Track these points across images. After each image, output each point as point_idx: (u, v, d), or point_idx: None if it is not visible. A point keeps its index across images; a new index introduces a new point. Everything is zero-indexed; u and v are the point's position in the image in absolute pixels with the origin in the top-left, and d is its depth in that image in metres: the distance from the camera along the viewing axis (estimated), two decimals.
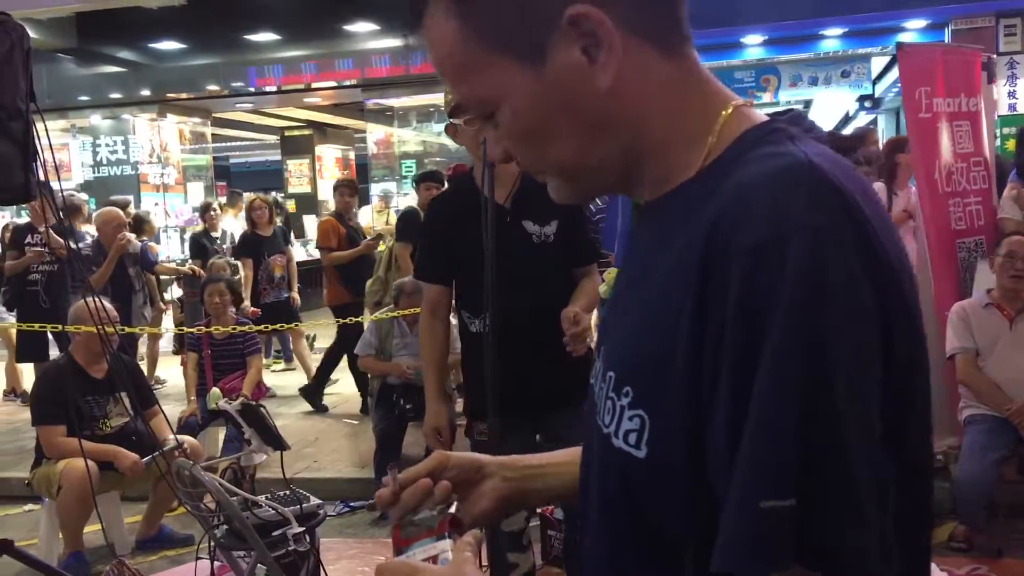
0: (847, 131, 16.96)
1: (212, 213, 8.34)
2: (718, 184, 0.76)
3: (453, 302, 2.91)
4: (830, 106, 14.96)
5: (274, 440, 2.93)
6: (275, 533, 2.65)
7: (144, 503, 4.79)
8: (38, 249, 6.82)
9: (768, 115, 0.85)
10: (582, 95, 0.79)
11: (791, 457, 0.67)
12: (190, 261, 8.30)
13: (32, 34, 9.74)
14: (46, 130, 3.11)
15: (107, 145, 11.96)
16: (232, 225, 9.45)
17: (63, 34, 10.72)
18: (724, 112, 0.82)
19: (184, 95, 12.09)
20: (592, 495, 0.88)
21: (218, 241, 8.18)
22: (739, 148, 0.80)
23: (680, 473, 0.75)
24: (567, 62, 0.78)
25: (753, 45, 10.21)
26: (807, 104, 15.94)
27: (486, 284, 2.44)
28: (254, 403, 3.08)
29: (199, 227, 8.38)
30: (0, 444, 6.63)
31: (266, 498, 2.76)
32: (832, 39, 10.00)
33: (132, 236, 7.09)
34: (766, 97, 10.64)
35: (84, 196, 9.70)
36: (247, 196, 9.16)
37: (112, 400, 4.64)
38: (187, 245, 9.43)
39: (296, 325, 7.43)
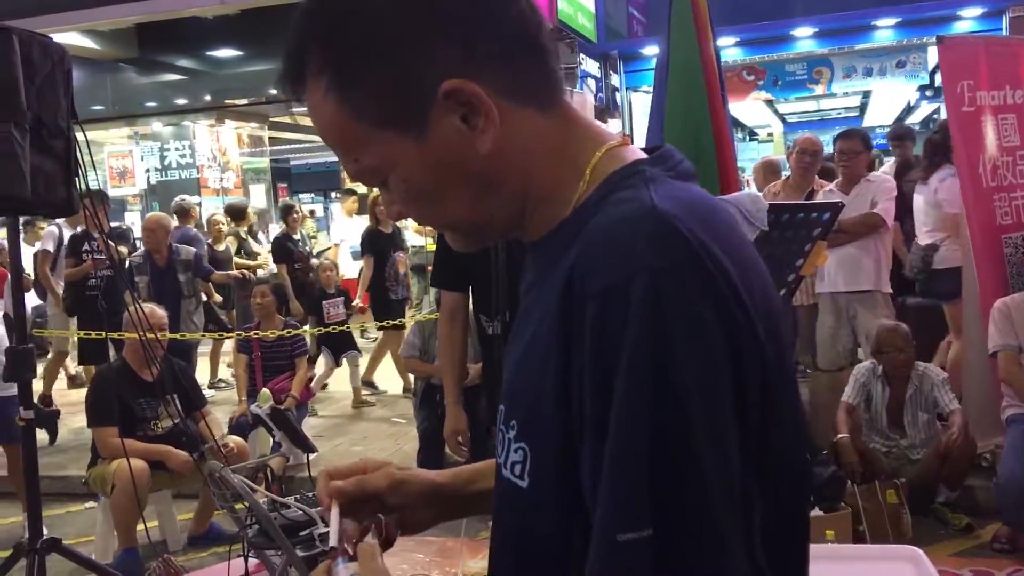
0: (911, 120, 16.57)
1: (294, 216, 8.40)
2: (580, 228, 0.81)
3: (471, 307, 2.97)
4: (890, 96, 14.65)
5: (302, 443, 3.01)
6: (302, 533, 2.73)
7: (197, 501, 4.95)
8: (99, 257, 7.05)
9: (644, 150, 0.90)
10: (466, 159, 0.84)
11: (644, 490, 0.71)
12: (271, 264, 8.37)
13: (95, 45, 10.02)
14: (87, 144, 3.25)
15: (170, 150, 12.30)
16: (346, 225, 9.58)
17: (125, 44, 11.05)
18: (596, 155, 0.87)
19: (242, 100, 12.36)
20: (496, 521, 0.93)
21: (300, 243, 8.24)
22: (602, 191, 0.84)
23: (558, 504, 0.79)
24: (448, 131, 0.82)
25: (805, 38, 10.08)
26: (866, 95, 15.63)
27: (495, 287, 2.49)
28: (282, 408, 3.17)
29: (281, 230, 8.42)
30: (65, 443, 6.88)
31: (295, 499, 2.85)
32: (885, 29, 9.82)
33: (185, 246, 7.24)
34: (819, 89, 10.50)
35: (195, 199, 9.96)
36: (373, 192, 9.25)
37: (163, 402, 4.81)
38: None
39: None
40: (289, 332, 5.90)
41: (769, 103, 16.11)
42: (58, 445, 6.99)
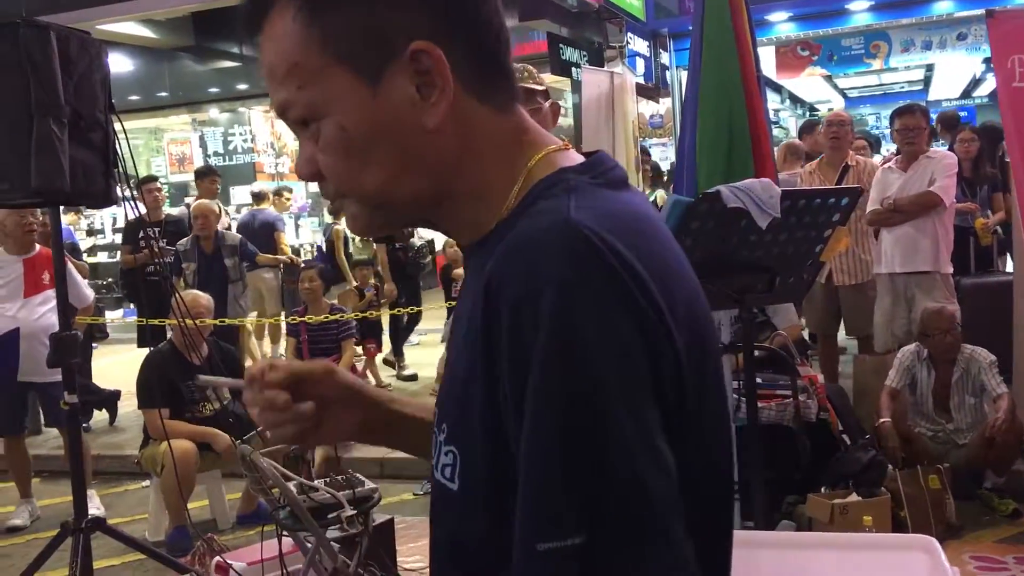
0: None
1: None
2: (502, 237, 0.81)
3: None
4: (954, 69, 14.24)
5: None
6: (330, 516, 2.79)
7: (245, 481, 5.08)
8: (162, 247, 7.23)
9: (585, 155, 0.90)
10: (407, 128, 0.83)
11: (564, 498, 0.71)
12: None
13: (152, 34, 10.19)
14: (125, 134, 3.34)
15: (227, 136, 12.52)
16: None
17: (181, 33, 11.24)
18: (532, 160, 0.86)
19: None
20: (432, 522, 0.94)
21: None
22: (527, 200, 0.85)
23: (487, 508, 0.80)
24: (401, 93, 0.82)
25: (861, 11, 9.84)
26: (929, 68, 15.22)
27: None
28: None
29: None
30: (126, 423, 7.10)
31: (324, 482, 2.91)
32: (944, 1, 9.54)
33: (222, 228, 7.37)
34: (876, 64, 10.25)
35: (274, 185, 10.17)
36: None
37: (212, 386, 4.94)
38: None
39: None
40: (335, 317, 6.00)
41: (827, 78, 15.80)
42: (117, 425, 7.22)
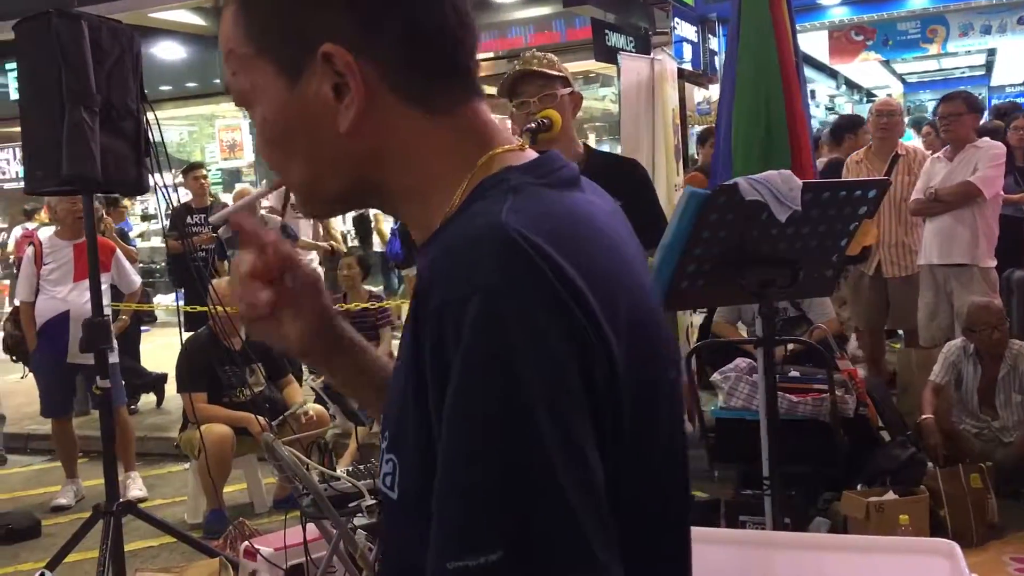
0: None
1: None
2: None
3: None
4: (1018, 54, 13.81)
5: (353, 416, 3.09)
6: (351, 504, 2.81)
7: None
8: (206, 234, 7.34)
9: (538, 151, 0.87)
10: (322, 128, 0.82)
11: (477, 513, 0.69)
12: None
13: (202, 22, 10.37)
14: (158, 123, 3.37)
15: None
16: None
17: None
18: (480, 161, 0.84)
19: None
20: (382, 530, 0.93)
21: None
22: (468, 201, 0.82)
23: (422, 517, 0.76)
24: (316, 92, 0.81)
25: None
26: (991, 52, 14.78)
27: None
28: None
29: None
30: (172, 406, 7.23)
31: (346, 471, 2.92)
32: None
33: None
34: (933, 49, 9.99)
35: None
36: None
37: (248, 370, 5.00)
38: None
39: None
40: (373, 305, 6.02)
41: (885, 63, 15.44)
42: (164, 408, 7.36)
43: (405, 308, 6.12)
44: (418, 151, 0.84)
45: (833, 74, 17.90)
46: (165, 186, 3.38)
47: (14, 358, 6.05)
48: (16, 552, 4.66)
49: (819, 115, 16.97)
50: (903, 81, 19.87)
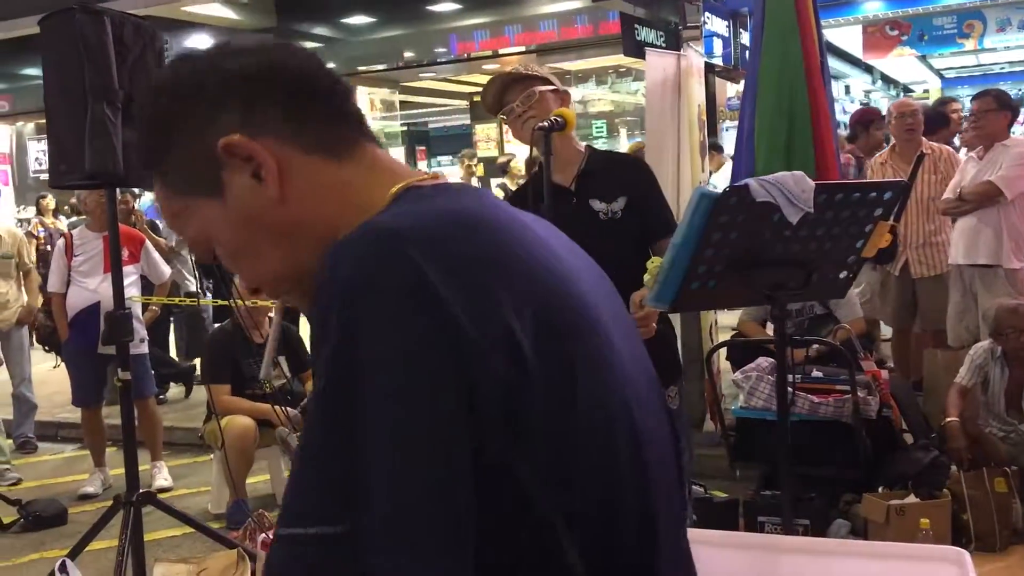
0: None
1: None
2: None
3: None
4: None
5: None
6: None
7: None
8: None
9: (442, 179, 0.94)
10: (263, 211, 0.89)
11: (310, 490, 0.76)
12: None
13: (236, 16, 10.46)
14: None
15: None
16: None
17: (263, 14, 11.44)
18: (390, 193, 0.90)
19: (375, 67, 12.62)
20: None
21: None
22: None
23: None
24: (242, 187, 0.89)
25: None
26: None
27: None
28: None
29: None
30: (201, 397, 7.31)
31: None
32: None
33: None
34: (970, 44, 9.82)
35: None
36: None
37: (272, 363, 5.03)
38: None
39: None
40: None
41: (922, 58, 15.22)
42: (192, 399, 7.45)
43: None
44: (344, 192, 0.90)
45: (868, 69, 17.69)
46: None
47: (47, 348, 6.14)
48: (42, 539, 4.74)
49: (853, 110, 16.77)
50: (940, 76, 19.58)
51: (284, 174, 0.88)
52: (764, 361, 4.44)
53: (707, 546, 2.19)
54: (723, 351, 5.41)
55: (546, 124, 2.51)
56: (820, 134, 3.67)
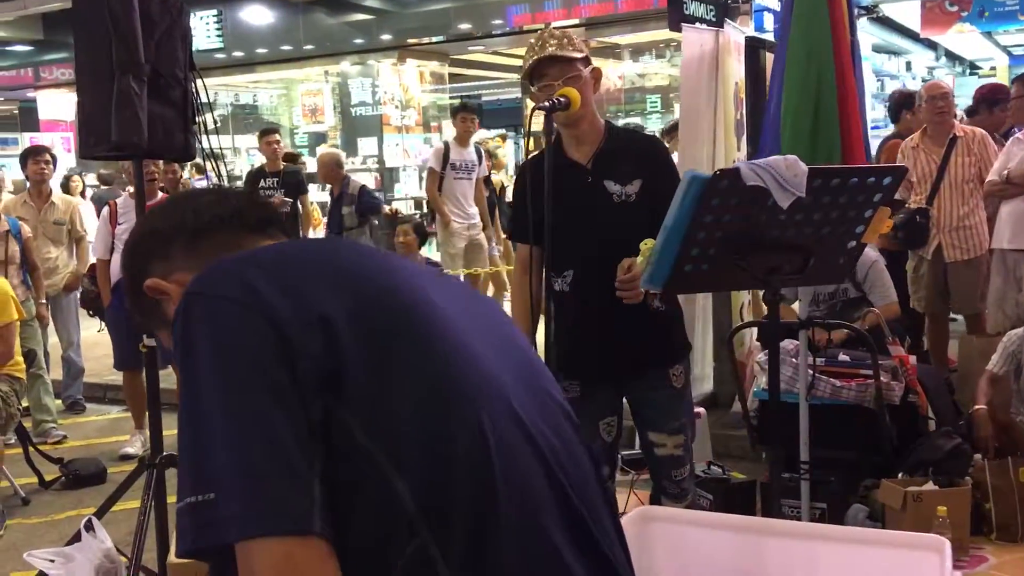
0: None
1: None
2: None
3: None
4: None
5: None
6: None
7: None
8: (277, 197, 7.52)
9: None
10: None
11: (191, 460, 0.92)
12: None
13: None
14: (207, 91, 3.49)
15: (356, 89, 12.82)
16: None
17: None
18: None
19: (425, 40, 12.63)
20: None
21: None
22: None
23: None
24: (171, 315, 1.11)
25: None
26: None
27: (546, 242, 2.52)
28: None
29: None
30: None
31: None
32: None
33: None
34: None
35: None
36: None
37: None
38: None
39: None
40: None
41: (987, 34, 14.77)
42: None
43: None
44: None
45: (932, 45, 17.21)
46: (214, 155, 3.49)
47: (91, 312, 6.33)
48: (80, 497, 4.93)
49: (916, 87, 16.34)
50: (1008, 53, 18.95)
51: None
52: (789, 343, 4.41)
53: (693, 526, 2.22)
54: (755, 331, 5.37)
55: (548, 104, 2.52)
56: (847, 117, 3.61)
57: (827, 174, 2.19)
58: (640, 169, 2.76)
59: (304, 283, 1.00)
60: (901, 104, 6.25)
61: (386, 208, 8.11)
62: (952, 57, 19.19)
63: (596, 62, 2.89)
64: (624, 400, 3.00)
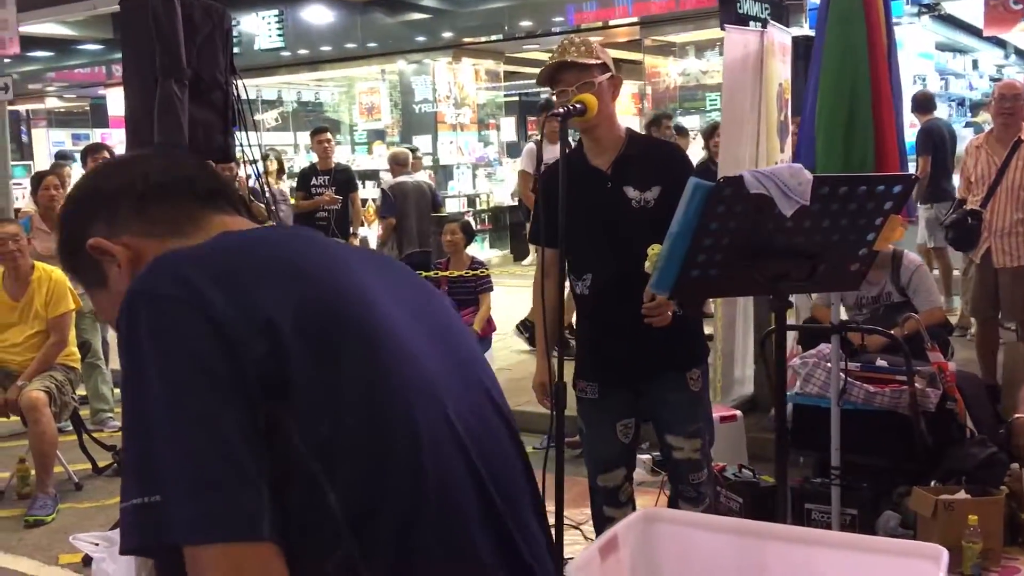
0: None
1: None
2: None
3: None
4: None
5: None
6: None
7: None
8: (328, 195, 7.69)
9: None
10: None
11: (137, 462, 0.92)
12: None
13: None
14: (247, 94, 3.60)
15: (412, 87, 12.96)
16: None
17: None
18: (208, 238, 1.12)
19: (481, 38, 12.72)
20: None
21: None
22: None
23: None
24: (113, 275, 1.14)
25: None
26: None
27: (560, 246, 2.56)
28: None
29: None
30: None
31: None
32: None
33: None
34: None
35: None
36: None
37: None
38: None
39: None
40: (473, 272, 6.18)
41: None
42: None
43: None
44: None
45: (1001, 43, 16.75)
46: (254, 161, 3.60)
47: None
48: None
49: (983, 86, 15.94)
50: None
51: (142, 259, 1.10)
52: (825, 347, 4.38)
53: (695, 528, 2.24)
54: (797, 335, 5.33)
55: (562, 110, 2.56)
56: (882, 118, 3.57)
57: (833, 182, 2.20)
58: (660, 176, 2.79)
59: (251, 284, 0.99)
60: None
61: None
62: (1022, 55, 18.64)
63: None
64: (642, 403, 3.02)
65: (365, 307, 1.04)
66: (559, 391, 2.75)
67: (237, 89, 3.57)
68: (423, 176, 8.83)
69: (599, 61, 2.78)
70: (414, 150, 9.82)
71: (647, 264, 2.50)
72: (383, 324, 1.05)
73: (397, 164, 8.03)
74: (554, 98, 2.84)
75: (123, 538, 0.91)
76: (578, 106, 2.58)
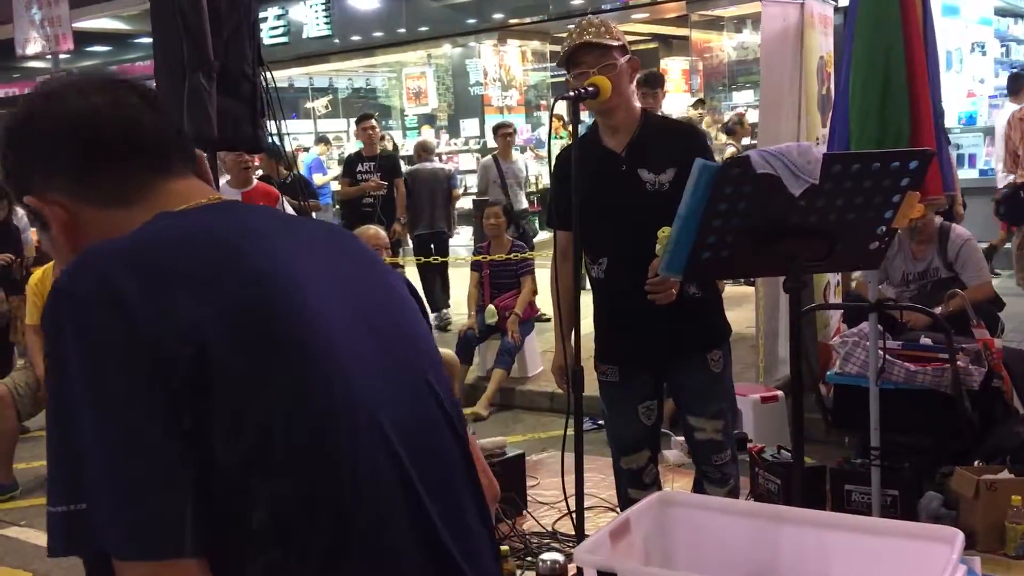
0: None
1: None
2: None
3: None
4: None
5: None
6: None
7: None
8: (374, 181, 7.75)
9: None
10: (61, 246, 1.11)
11: (63, 466, 0.92)
12: None
13: None
14: (275, 84, 3.64)
15: (458, 71, 12.96)
16: None
17: None
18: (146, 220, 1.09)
19: (526, 19, 12.65)
20: None
21: None
22: None
23: None
24: (53, 234, 1.11)
25: None
26: None
27: (575, 229, 2.56)
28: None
29: None
30: None
31: None
32: None
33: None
34: None
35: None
36: None
37: None
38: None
39: None
40: (516, 255, 6.19)
41: None
42: None
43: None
44: (129, 230, 1.07)
45: None
46: (284, 152, 3.65)
47: None
48: None
49: None
50: None
51: (79, 226, 1.09)
52: (867, 326, 4.30)
53: (710, 511, 2.23)
54: (840, 313, 5.24)
55: (572, 93, 2.54)
56: (916, 95, 3.47)
57: (846, 159, 2.15)
58: (675, 158, 2.76)
59: (177, 285, 0.96)
60: None
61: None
62: None
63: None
64: (665, 387, 3.01)
65: (297, 311, 1.02)
66: (576, 375, 2.76)
67: (265, 80, 3.61)
68: (440, 164, 9.23)
69: (619, 42, 2.75)
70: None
71: (657, 247, 2.48)
72: (316, 327, 1.02)
73: (424, 151, 8.57)
74: (571, 79, 2.82)
75: (51, 541, 0.92)
76: (591, 89, 2.56)
